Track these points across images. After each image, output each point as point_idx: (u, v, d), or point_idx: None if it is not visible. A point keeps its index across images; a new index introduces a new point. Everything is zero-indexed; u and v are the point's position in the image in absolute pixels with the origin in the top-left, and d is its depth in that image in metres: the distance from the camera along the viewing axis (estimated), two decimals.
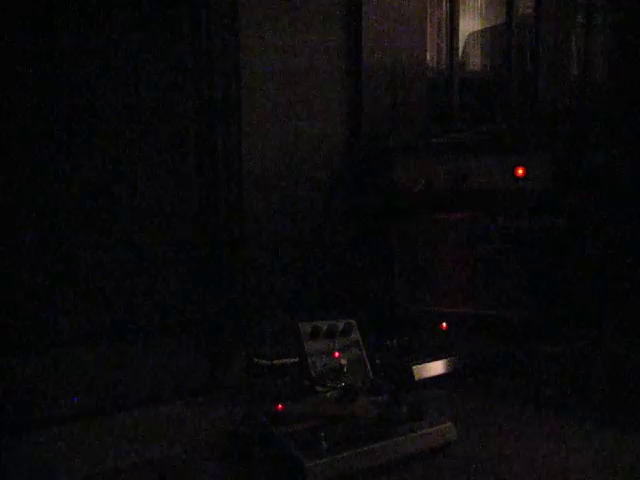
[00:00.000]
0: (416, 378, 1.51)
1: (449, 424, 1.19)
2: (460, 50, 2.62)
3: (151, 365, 1.66)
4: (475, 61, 2.76)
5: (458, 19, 2.53)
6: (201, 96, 1.71)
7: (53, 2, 1.64)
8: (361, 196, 2.14)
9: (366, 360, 1.46)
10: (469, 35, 2.73)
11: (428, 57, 2.45)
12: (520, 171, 1.75)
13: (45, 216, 1.76)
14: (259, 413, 1.24)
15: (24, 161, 1.71)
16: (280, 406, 1.24)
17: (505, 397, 1.46)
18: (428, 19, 2.40)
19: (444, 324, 1.74)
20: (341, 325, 1.49)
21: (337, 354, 1.44)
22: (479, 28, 2.76)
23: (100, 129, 1.79)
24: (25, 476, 1.15)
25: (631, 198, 1.89)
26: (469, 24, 2.72)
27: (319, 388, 1.36)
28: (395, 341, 1.65)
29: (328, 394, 1.32)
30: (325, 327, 1.47)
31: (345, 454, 1.08)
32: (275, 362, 1.52)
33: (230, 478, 1.13)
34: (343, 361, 1.42)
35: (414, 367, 1.52)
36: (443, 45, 2.56)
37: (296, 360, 1.48)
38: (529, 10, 2.66)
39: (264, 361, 1.53)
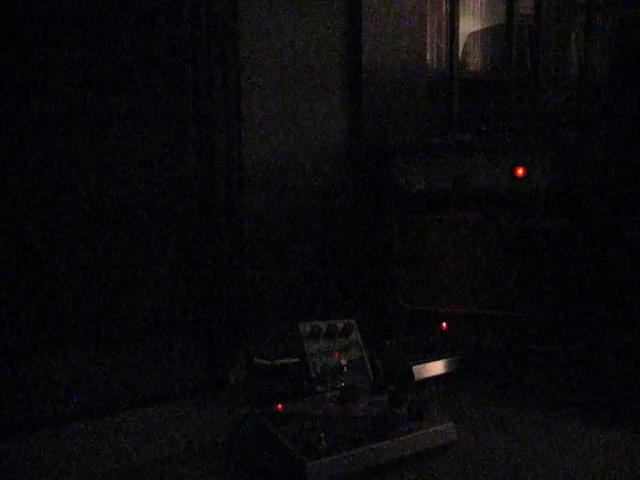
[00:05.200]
0: (416, 378, 1.51)
1: (449, 424, 1.19)
2: (460, 50, 2.62)
3: (151, 365, 1.66)
4: (475, 61, 2.76)
5: (458, 19, 2.53)
6: (200, 96, 1.71)
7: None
8: (361, 196, 2.15)
9: (366, 360, 1.46)
10: (469, 35, 2.73)
11: (428, 57, 2.45)
12: (520, 171, 1.75)
13: (47, 215, 1.76)
14: (259, 413, 1.24)
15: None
16: (280, 406, 1.24)
17: (505, 397, 1.46)
18: (428, 19, 2.40)
19: (444, 324, 1.74)
20: (341, 325, 1.49)
21: (337, 354, 1.44)
22: (479, 28, 2.76)
23: (93, 131, 1.79)
24: (24, 476, 1.15)
25: (631, 198, 1.89)
26: (469, 24, 2.72)
27: (319, 388, 1.36)
28: (395, 341, 1.66)
29: (328, 394, 1.32)
30: (325, 327, 1.47)
31: (345, 454, 1.08)
32: (275, 362, 1.52)
33: (230, 478, 1.13)
34: (343, 361, 1.42)
35: (414, 367, 1.52)
36: (443, 45, 2.57)
37: (296, 360, 1.48)
38: (529, 10, 2.66)
39: (264, 361, 1.53)
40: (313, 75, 2.10)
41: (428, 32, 2.41)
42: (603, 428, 1.29)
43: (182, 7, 1.81)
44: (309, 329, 1.46)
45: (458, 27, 2.54)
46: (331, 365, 1.41)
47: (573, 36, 2.72)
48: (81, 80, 1.75)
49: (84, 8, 1.72)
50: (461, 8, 2.57)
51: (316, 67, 2.10)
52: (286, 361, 1.52)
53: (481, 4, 2.74)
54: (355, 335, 1.49)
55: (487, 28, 2.75)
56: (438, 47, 2.56)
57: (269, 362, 1.53)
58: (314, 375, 1.39)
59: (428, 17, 2.39)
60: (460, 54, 2.62)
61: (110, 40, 1.76)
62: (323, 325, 1.47)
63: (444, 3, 2.55)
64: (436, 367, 1.56)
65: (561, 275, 1.76)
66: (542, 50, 2.62)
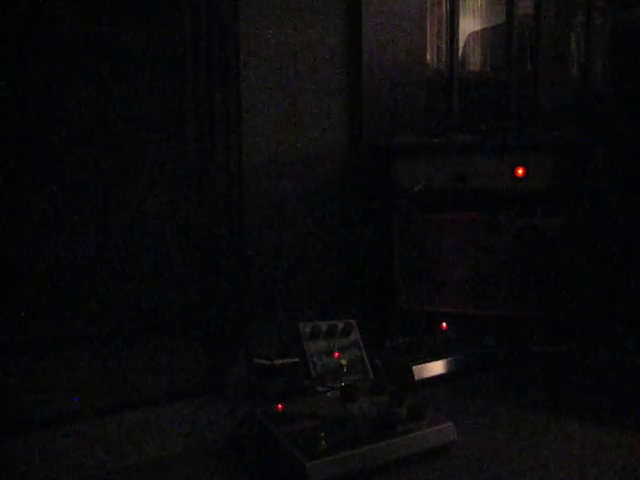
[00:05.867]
0: (416, 378, 1.51)
1: (449, 424, 1.19)
2: (460, 50, 2.62)
3: (151, 365, 1.66)
4: (475, 61, 2.76)
5: (458, 19, 2.53)
6: (200, 97, 1.71)
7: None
8: (361, 196, 2.15)
9: (366, 360, 1.46)
10: (469, 35, 2.73)
11: (428, 57, 2.45)
12: (520, 171, 1.75)
13: (46, 213, 1.77)
14: (259, 413, 1.24)
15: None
16: (280, 406, 1.24)
17: (505, 397, 1.46)
18: (428, 19, 2.40)
19: (444, 324, 1.74)
20: (341, 325, 1.49)
21: (337, 354, 1.44)
22: (479, 28, 2.76)
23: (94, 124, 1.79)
24: (25, 476, 1.15)
25: (631, 198, 1.89)
26: (469, 24, 2.72)
27: (319, 388, 1.36)
28: (395, 341, 1.66)
29: (328, 394, 1.32)
30: (325, 327, 1.47)
31: (345, 454, 1.08)
32: (275, 362, 1.52)
33: (230, 479, 1.13)
34: (343, 361, 1.42)
35: (414, 367, 1.52)
36: (443, 45, 2.57)
37: (296, 360, 1.48)
38: (529, 10, 2.66)
39: (264, 361, 1.53)
40: (313, 75, 2.10)
41: (428, 32, 2.41)
42: (604, 428, 1.29)
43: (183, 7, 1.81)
44: (309, 329, 1.46)
45: (458, 27, 2.54)
46: (331, 365, 1.41)
47: (573, 36, 2.72)
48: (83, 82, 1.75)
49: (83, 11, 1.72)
50: (461, 8, 2.57)
51: (316, 67, 2.10)
52: (286, 361, 1.52)
53: (481, 4, 2.74)
54: (355, 335, 1.49)
55: (487, 28, 2.75)
56: (438, 47, 2.56)
57: (269, 362, 1.53)
58: (314, 375, 1.39)
59: (428, 17, 2.39)
60: (460, 54, 2.62)
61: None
62: (323, 325, 1.47)
63: (444, 3, 2.55)
64: (436, 367, 1.56)
65: (561, 275, 1.76)
66: (542, 50, 2.62)
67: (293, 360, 1.50)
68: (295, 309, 2.06)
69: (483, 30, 2.75)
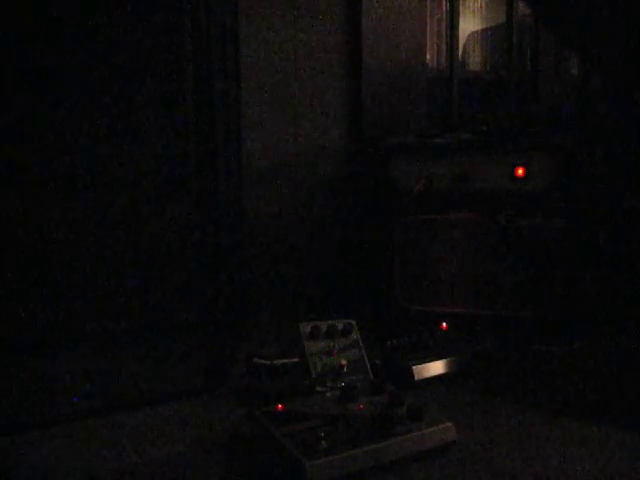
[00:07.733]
0: (416, 378, 1.51)
1: (449, 424, 1.19)
2: (460, 50, 2.62)
3: (151, 365, 1.66)
4: (475, 61, 2.77)
5: (458, 19, 2.53)
6: (200, 97, 1.71)
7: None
8: (361, 196, 2.15)
9: (366, 360, 1.45)
10: (469, 35, 2.73)
11: (428, 57, 2.45)
12: (520, 171, 1.75)
13: (42, 215, 1.77)
14: (259, 413, 1.24)
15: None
16: (280, 406, 1.24)
17: (505, 397, 1.46)
18: (428, 19, 2.40)
19: (444, 324, 1.74)
20: (341, 325, 1.49)
21: (337, 354, 1.44)
22: (479, 28, 2.76)
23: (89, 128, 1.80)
24: (25, 476, 1.15)
25: (631, 198, 1.89)
26: (469, 24, 2.73)
27: (319, 388, 1.36)
28: (395, 341, 1.65)
29: (328, 394, 1.32)
30: (325, 327, 1.47)
31: (345, 454, 1.08)
32: (275, 362, 1.52)
33: (230, 478, 1.13)
34: (343, 361, 1.42)
35: (414, 367, 1.52)
36: (443, 45, 2.57)
37: (296, 360, 1.48)
38: (529, 10, 2.66)
39: (264, 361, 1.53)
40: (313, 75, 2.10)
41: (428, 32, 2.41)
42: (603, 428, 1.29)
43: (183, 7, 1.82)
44: (309, 329, 1.46)
45: (458, 27, 2.54)
46: (331, 365, 1.41)
47: None
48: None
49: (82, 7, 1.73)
50: (461, 8, 2.57)
51: (316, 67, 2.11)
52: (286, 361, 1.52)
53: (481, 4, 2.74)
54: (355, 335, 1.49)
55: (487, 28, 2.76)
56: (438, 47, 2.57)
57: (269, 362, 1.53)
58: (314, 375, 1.39)
59: (428, 17, 2.40)
60: (460, 54, 2.62)
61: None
62: (323, 325, 1.47)
63: (444, 3, 2.55)
64: (436, 367, 1.55)
65: (561, 275, 1.76)
66: (542, 50, 2.62)
67: (293, 360, 1.50)
68: (295, 309, 2.06)
69: (483, 30, 2.76)
